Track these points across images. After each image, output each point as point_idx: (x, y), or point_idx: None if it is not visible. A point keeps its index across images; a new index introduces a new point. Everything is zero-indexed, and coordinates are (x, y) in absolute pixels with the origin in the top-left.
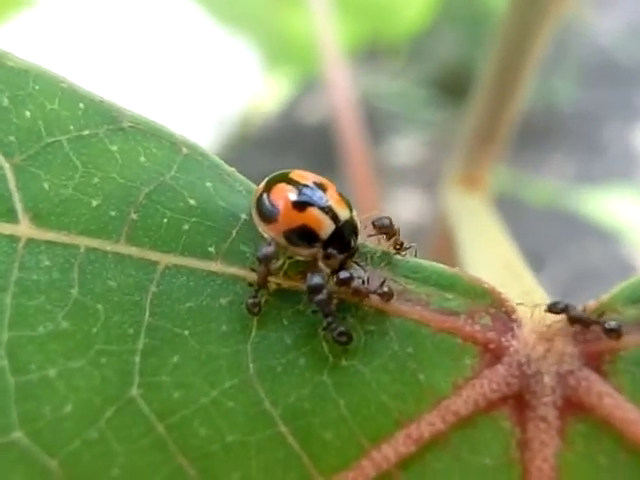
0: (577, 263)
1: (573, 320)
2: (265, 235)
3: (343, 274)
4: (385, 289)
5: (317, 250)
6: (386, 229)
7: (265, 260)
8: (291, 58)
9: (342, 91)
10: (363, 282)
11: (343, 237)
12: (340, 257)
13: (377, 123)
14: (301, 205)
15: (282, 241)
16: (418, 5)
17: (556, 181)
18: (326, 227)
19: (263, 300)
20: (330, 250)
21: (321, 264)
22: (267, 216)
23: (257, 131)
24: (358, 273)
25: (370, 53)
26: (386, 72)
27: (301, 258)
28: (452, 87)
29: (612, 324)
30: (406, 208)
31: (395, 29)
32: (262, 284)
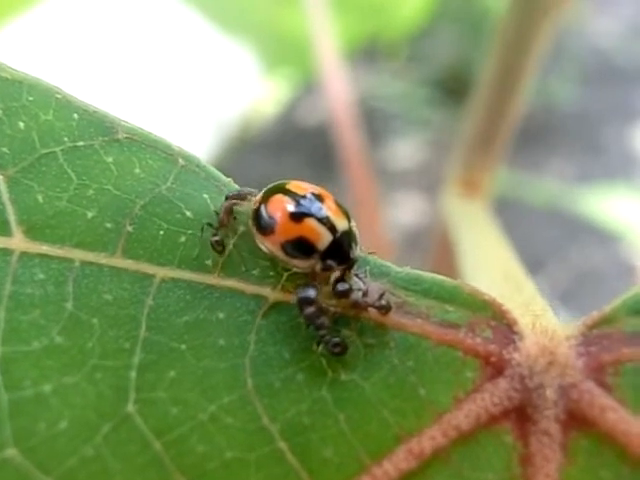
0: (577, 265)
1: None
2: (262, 247)
3: (341, 286)
4: (383, 302)
5: (315, 262)
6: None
7: (234, 197)
8: (289, 61)
9: (340, 93)
10: (362, 294)
11: (341, 248)
12: (338, 269)
13: (377, 124)
14: (298, 216)
15: (279, 253)
16: (416, 5)
17: (555, 182)
18: (323, 238)
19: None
20: (328, 262)
21: (318, 276)
22: (264, 228)
23: (256, 134)
24: (356, 285)
25: (369, 54)
26: (385, 73)
27: (299, 270)
28: (452, 87)
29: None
30: (406, 210)
31: (393, 29)
32: (224, 222)
